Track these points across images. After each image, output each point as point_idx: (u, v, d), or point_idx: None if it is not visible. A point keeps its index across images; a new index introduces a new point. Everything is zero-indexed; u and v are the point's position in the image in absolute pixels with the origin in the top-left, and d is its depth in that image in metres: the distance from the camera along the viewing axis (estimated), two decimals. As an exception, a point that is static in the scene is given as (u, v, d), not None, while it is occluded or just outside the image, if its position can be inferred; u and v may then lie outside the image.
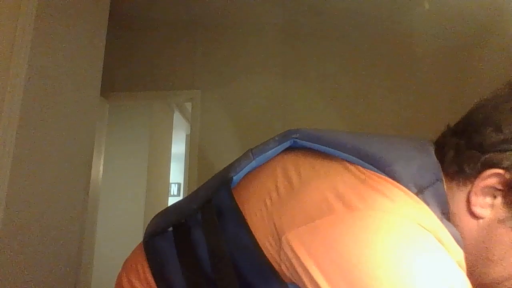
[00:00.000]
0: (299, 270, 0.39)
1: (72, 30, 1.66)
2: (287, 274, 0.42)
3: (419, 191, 0.42)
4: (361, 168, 0.44)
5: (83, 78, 1.75)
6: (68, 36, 1.63)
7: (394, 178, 0.41)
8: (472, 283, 0.36)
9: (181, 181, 5.16)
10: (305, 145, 0.49)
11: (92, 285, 2.49)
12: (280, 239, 0.42)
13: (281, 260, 0.42)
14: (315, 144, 0.48)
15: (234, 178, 0.50)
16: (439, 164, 0.45)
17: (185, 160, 3.24)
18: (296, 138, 0.50)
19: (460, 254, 0.39)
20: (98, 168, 2.62)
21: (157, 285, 0.52)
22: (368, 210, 0.38)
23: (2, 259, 1.24)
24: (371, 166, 0.43)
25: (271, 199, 0.45)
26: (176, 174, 5.10)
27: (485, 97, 0.47)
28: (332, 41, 2.66)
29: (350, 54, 2.64)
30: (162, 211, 0.61)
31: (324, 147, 0.47)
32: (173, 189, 5.87)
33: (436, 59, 2.49)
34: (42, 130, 1.46)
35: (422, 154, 0.46)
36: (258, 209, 0.46)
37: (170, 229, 0.54)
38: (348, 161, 0.45)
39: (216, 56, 2.76)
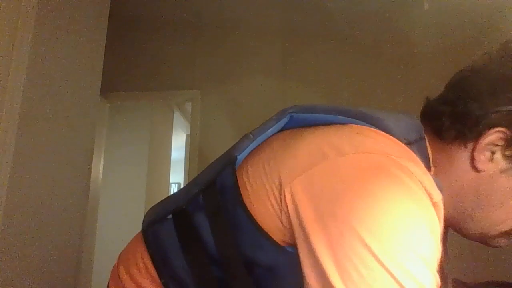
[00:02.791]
0: (296, 220, 0.41)
1: (72, 30, 1.66)
2: (287, 226, 0.43)
3: (408, 144, 0.47)
4: (354, 125, 0.48)
5: (83, 78, 1.75)
6: (68, 36, 1.63)
7: (386, 132, 0.46)
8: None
9: (181, 181, 5.16)
10: (302, 118, 0.53)
11: (92, 285, 2.49)
12: (280, 195, 0.44)
13: (282, 215, 0.44)
14: (311, 114, 0.52)
15: (238, 157, 0.51)
16: (422, 126, 0.52)
17: (185, 160, 3.24)
18: (292, 112, 0.53)
19: (439, 196, 0.43)
20: (98, 168, 2.62)
21: (158, 274, 0.52)
22: (358, 153, 0.42)
23: (2, 258, 1.24)
24: (364, 123, 0.48)
25: (269, 164, 0.48)
26: (176, 174, 5.10)
27: (465, 69, 0.54)
28: (331, 41, 2.66)
29: (349, 54, 2.64)
30: (160, 201, 0.61)
31: (319, 114, 0.51)
32: (173, 189, 5.87)
33: (436, 59, 2.49)
34: (42, 130, 1.46)
35: (407, 117, 0.52)
36: (258, 177, 0.47)
37: (169, 216, 0.54)
38: (343, 123, 0.49)
39: (216, 56, 2.76)
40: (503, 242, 0.53)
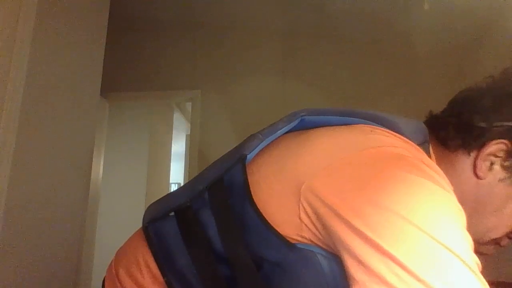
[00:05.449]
0: (322, 210, 0.42)
1: (72, 30, 1.66)
2: (306, 222, 0.43)
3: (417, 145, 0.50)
4: (365, 125, 0.51)
5: (83, 78, 1.75)
6: (68, 36, 1.63)
7: (396, 132, 0.49)
8: (468, 231, 0.41)
9: (181, 181, 5.16)
10: (311, 120, 0.54)
11: (92, 285, 2.49)
12: (300, 192, 0.44)
13: (300, 209, 0.44)
14: (322, 117, 0.53)
15: (248, 156, 0.50)
16: (427, 130, 0.56)
17: (185, 160, 3.24)
18: (304, 115, 0.54)
19: (451, 187, 0.44)
20: (98, 168, 2.62)
21: (161, 272, 0.51)
22: (377, 147, 0.45)
23: (2, 258, 1.24)
24: (375, 123, 0.50)
25: (283, 162, 0.48)
26: (176, 174, 5.10)
27: (469, 88, 0.59)
28: (331, 41, 2.66)
29: (349, 54, 2.64)
30: (160, 198, 0.61)
31: (331, 117, 0.53)
32: (173, 189, 5.86)
33: (436, 59, 2.49)
34: (42, 130, 1.46)
35: (414, 120, 0.55)
36: (271, 175, 0.48)
37: (172, 214, 0.54)
38: (353, 124, 0.51)
39: (216, 56, 2.76)
40: (491, 249, 0.57)
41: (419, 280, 0.34)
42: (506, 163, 0.52)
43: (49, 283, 1.47)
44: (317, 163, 0.45)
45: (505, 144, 0.52)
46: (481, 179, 0.54)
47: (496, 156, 0.53)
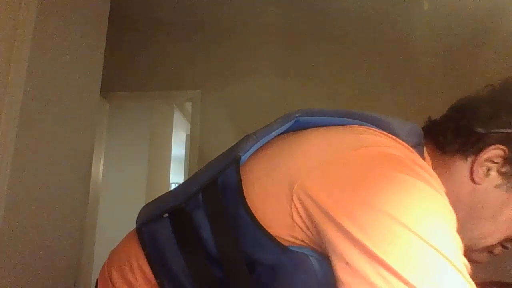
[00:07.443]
0: (313, 210, 0.42)
1: (72, 30, 1.66)
2: (298, 221, 0.43)
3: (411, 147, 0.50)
4: (359, 126, 0.50)
5: (83, 78, 1.75)
6: (68, 36, 1.63)
7: (390, 133, 0.49)
8: (461, 237, 0.40)
9: (181, 181, 5.15)
10: (306, 121, 0.54)
11: (92, 285, 2.49)
12: (292, 192, 0.44)
13: (292, 209, 0.43)
14: (317, 117, 0.53)
15: (242, 157, 0.50)
16: (422, 133, 0.56)
17: (185, 160, 3.24)
18: (299, 116, 0.54)
19: (443, 189, 0.44)
20: (98, 168, 2.62)
21: (154, 274, 0.51)
22: (369, 146, 0.45)
23: (2, 258, 1.24)
24: (369, 124, 0.50)
25: (276, 162, 0.48)
26: (176, 174, 5.10)
27: (469, 95, 0.59)
28: (331, 41, 2.66)
29: (349, 55, 2.64)
30: (155, 199, 0.60)
31: (325, 117, 0.53)
32: (173, 189, 5.85)
33: (436, 59, 2.49)
34: (42, 130, 1.46)
35: (409, 123, 0.55)
36: (264, 176, 0.48)
37: (165, 215, 0.54)
38: (347, 125, 0.51)
39: (216, 56, 2.76)
40: (484, 257, 0.57)
41: (404, 281, 0.34)
42: (503, 169, 0.52)
43: (49, 283, 1.47)
44: (310, 163, 0.45)
45: (503, 150, 0.52)
46: (477, 184, 0.53)
47: (493, 162, 0.53)
